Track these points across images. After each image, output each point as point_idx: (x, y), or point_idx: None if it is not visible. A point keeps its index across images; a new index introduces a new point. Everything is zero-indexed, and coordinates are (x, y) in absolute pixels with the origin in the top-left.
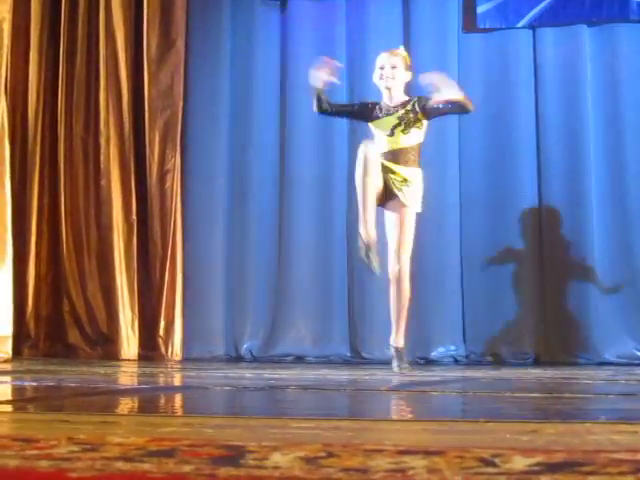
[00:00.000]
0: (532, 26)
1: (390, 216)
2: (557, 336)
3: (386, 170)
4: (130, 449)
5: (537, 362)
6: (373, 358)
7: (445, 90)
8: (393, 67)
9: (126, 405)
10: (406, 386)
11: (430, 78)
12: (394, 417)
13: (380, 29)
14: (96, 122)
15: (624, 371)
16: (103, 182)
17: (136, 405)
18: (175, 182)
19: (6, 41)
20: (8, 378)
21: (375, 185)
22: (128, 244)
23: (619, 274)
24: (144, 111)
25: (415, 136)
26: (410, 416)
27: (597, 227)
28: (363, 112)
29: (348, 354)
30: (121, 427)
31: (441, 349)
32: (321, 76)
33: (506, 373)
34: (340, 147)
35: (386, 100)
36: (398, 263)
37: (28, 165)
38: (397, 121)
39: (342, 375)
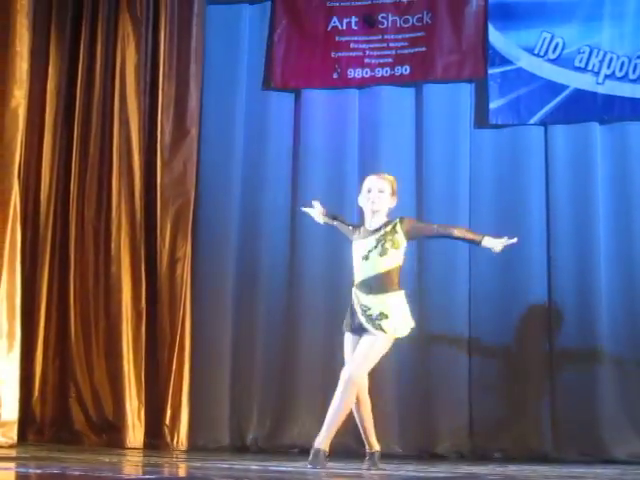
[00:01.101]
0: (544, 123)
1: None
2: (565, 433)
3: (362, 308)
4: None
5: (545, 459)
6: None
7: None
8: (380, 191)
9: None
10: None
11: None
12: None
13: (392, 121)
14: (108, 208)
15: (632, 470)
16: (113, 269)
17: None
18: (185, 270)
19: (21, 126)
20: (12, 464)
21: None
22: (136, 331)
23: (630, 369)
24: (156, 198)
25: (393, 259)
26: None
27: (607, 321)
28: (353, 231)
29: (353, 445)
30: None
31: (447, 444)
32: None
33: (513, 470)
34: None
35: (367, 223)
36: (351, 369)
37: (39, 250)
38: (374, 243)
39: (347, 470)
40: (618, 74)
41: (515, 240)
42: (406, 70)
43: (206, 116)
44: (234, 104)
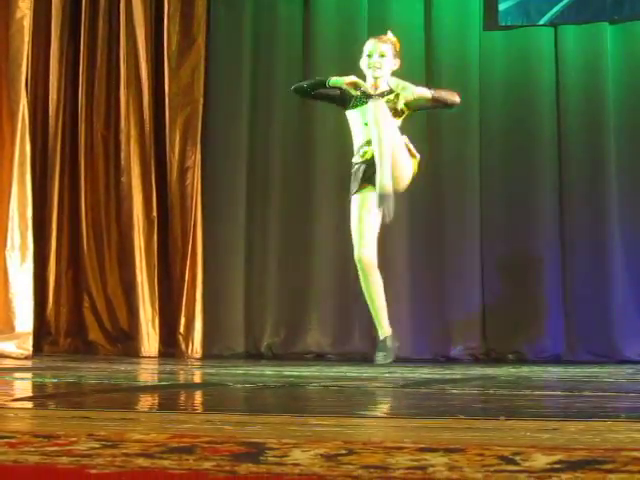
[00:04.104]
0: (553, 24)
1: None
2: (578, 334)
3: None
4: (150, 446)
5: (558, 360)
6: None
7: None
8: (381, 55)
9: (146, 402)
10: (426, 383)
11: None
12: (414, 415)
13: (401, 26)
14: (116, 119)
15: None
16: (123, 179)
17: (156, 402)
18: (195, 179)
19: (26, 38)
20: (29, 375)
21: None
22: (148, 241)
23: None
24: (164, 108)
25: (396, 124)
26: (430, 414)
27: (618, 218)
28: (344, 99)
29: (368, 351)
30: (141, 424)
31: (460, 347)
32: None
33: (526, 371)
34: None
35: (369, 87)
36: (355, 249)
37: (49, 162)
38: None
39: (362, 372)
40: None
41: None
42: None
43: (213, 24)
44: (241, 10)
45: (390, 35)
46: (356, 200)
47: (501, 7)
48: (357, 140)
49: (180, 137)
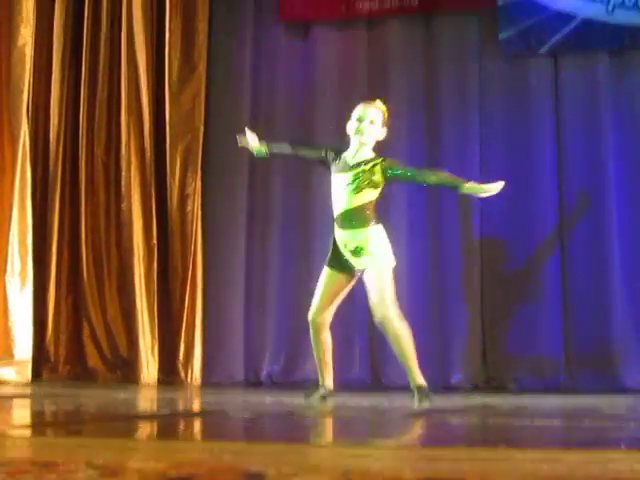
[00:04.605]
0: (553, 53)
1: (365, 280)
2: (578, 363)
3: (342, 243)
4: (149, 475)
5: (558, 389)
6: (393, 384)
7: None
8: (371, 122)
9: (145, 430)
10: (426, 413)
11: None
12: (414, 444)
13: (401, 56)
14: (117, 145)
15: None
16: (124, 205)
17: (155, 430)
18: (196, 206)
19: (28, 65)
20: (27, 402)
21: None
22: (148, 268)
23: None
24: (165, 135)
25: (369, 194)
26: (430, 443)
27: (617, 227)
28: (329, 157)
29: (368, 380)
30: (140, 452)
31: (461, 375)
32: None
33: (527, 400)
34: None
35: (351, 153)
36: (378, 309)
37: (49, 187)
38: (351, 179)
39: (362, 401)
40: (628, 3)
41: (501, 185)
42: (414, 1)
43: (214, 51)
44: (242, 39)
45: (379, 103)
46: (325, 272)
47: (502, 35)
48: (335, 205)
49: (180, 164)
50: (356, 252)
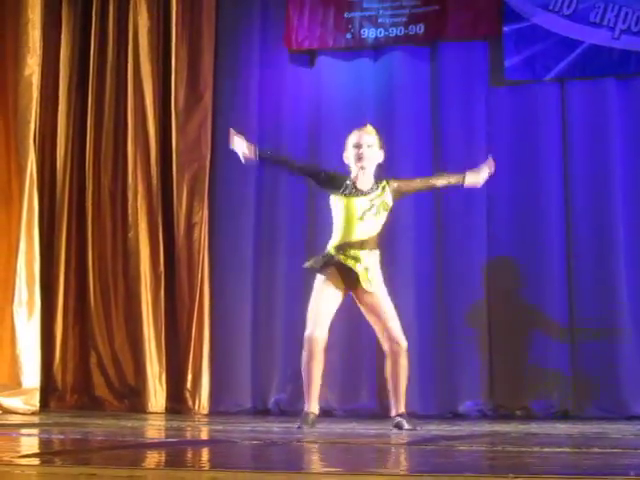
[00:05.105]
0: (560, 79)
1: (367, 302)
2: (586, 390)
3: (354, 258)
4: None
5: (566, 416)
6: (413, 415)
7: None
8: (369, 146)
9: (153, 459)
10: (434, 440)
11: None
12: (421, 472)
13: (408, 84)
14: (124, 174)
15: None
16: (131, 234)
17: (163, 459)
18: (202, 235)
19: (35, 94)
20: (35, 431)
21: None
22: (155, 296)
23: None
24: (172, 164)
25: (384, 218)
26: (437, 471)
27: (626, 275)
28: (331, 183)
29: (375, 407)
30: None
31: (469, 403)
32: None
33: (535, 427)
34: None
35: (358, 181)
36: (397, 340)
37: (56, 216)
38: (369, 205)
39: (370, 429)
40: (634, 29)
41: (491, 164)
42: (420, 29)
43: (220, 80)
44: (248, 68)
45: (371, 128)
46: (326, 287)
47: (507, 63)
48: (345, 230)
49: (187, 193)
50: (368, 271)
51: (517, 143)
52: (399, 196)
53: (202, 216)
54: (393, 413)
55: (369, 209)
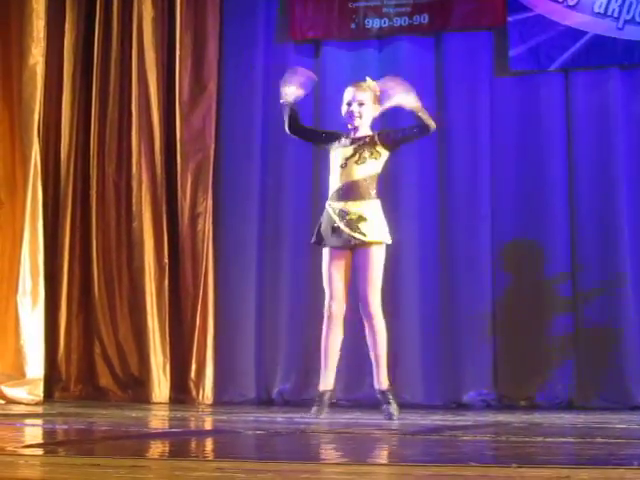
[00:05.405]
0: (564, 69)
1: (355, 257)
2: (590, 380)
3: (340, 214)
4: None
5: (570, 406)
6: (405, 402)
7: (402, 96)
8: (361, 104)
9: (157, 449)
10: (438, 430)
11: (385, 84)
12: (425, 462)
13: (412, 75)
14: (128, 164)
15: None
16: (135, 224)
17: (167, 449)
18: (207, 225)
19: (39, 84)
20: (39, 421)
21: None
22: (160, 287)
23: None
24: (176, 154)
25: (371, 167)
26: (441, 461)
27: (631, 264)
28: (329, 140)
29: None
30: (152, 472)
31: (473, 393)
32: (292, 90)
33: (538, 417)
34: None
35: (351, 134)
36: (369, 304)
37: (60, 206)
38: (352, 152)
39: (373, 419)
40: (638, 19)
41: None
42: (424, 19)
43: (225, 70)
44: (253, 58)
45: (369, 81)
46: (329, 254)
47: (512, 53)
48: (332, 180)
49: (191, 183)
50: (357, 221)
51: (521, 133)
52: (391, 144)
53: (206, 206)
54: (376, 386)
55: (352, 156)
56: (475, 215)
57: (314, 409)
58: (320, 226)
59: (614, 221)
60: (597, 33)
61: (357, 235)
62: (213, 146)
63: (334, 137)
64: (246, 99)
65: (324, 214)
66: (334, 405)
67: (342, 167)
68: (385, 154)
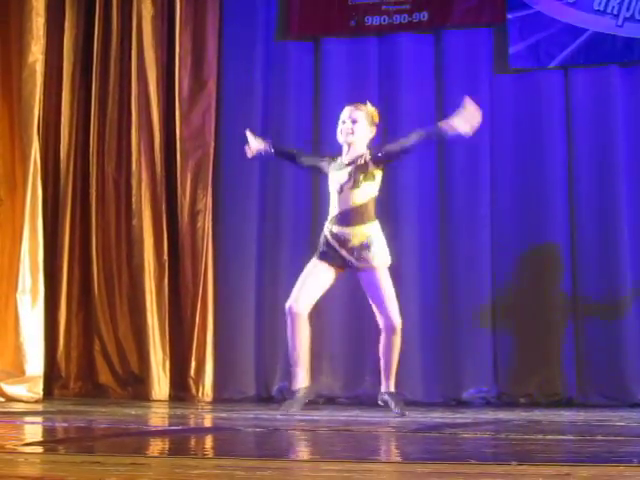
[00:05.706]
0: (564, 66)
1: (364, 279)
2: (590, 377)
3: (340, 240)
4: None
5: (570, 403)
6: (404, 399)
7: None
8: (354, 122)
9: (157, 447)
10: (437, 428)
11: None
12: (424, 460)
13: (412, 71)
14: (128, 162)
15: None
16: (135, 222)
17: (167, 447)
18: (206, 222)
19: (39, 82)
20: (39, 419)
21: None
22: (159, 284)
23: None
24: (175, 151)
25: (367, 190)
26: (441, 458)
27: (630, 261)
28: (329, 162)
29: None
30: (152, 469)
31: (472, 390)
32: (258, 143)
33: (538, 415)
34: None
35: (345, 155)
36: (391, 320)
37: (60, 204)
38: (347, 177)
39: (373, 417)
40: (638, 16)
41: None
42: (424, 16)
43: (224, 67)
44: (252, 55)
45: (368, 105)
46: (316, 265)
47: (511, 50)
48: (331, 204)
49: (191, 180)
50: (360, 248)
51: (521, 130)
52: (385, 160)
53: (206, 203)
54: (383, 389)
55: (347, 181)
56: (475, 214)
57: (285, 403)
58: (321, 246)
59: (613, 218)
60: (597, 30)
61: (361, 264)
62: (213, 144)
63: (332, 160)
64: (246, 97)
65: (322, 237)
66: (333, 402)
67: (338, 193)
68: (379, 174)
